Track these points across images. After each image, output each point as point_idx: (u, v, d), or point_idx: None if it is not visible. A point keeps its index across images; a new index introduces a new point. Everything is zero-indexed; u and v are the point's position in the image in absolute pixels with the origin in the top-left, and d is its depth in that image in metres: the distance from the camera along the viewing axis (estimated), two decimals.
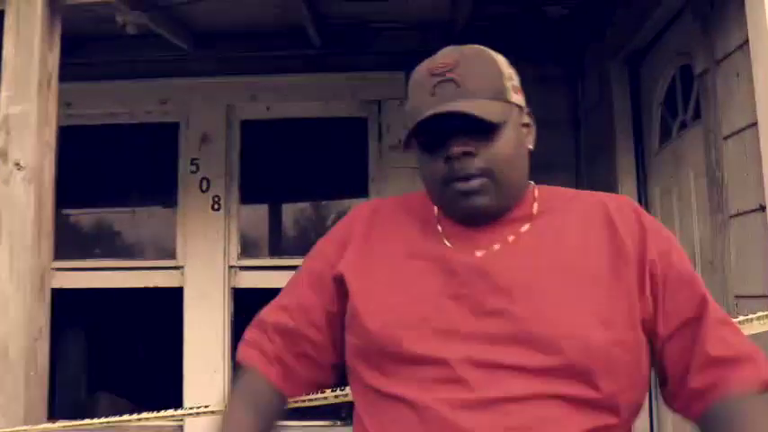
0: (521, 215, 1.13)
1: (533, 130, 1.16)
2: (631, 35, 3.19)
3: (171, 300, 3.91)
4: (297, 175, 4.22)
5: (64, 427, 1.71)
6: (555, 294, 1.04)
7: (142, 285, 3.96)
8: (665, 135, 3.16)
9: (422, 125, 1.06)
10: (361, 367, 1.11)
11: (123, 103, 4.08)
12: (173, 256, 3.99)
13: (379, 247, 1.16)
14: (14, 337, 1.80)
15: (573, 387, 1.00)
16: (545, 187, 1.18)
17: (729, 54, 2.19)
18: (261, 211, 4.59)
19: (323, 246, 1.23)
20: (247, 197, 4.12)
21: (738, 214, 2.17)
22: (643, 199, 3.40)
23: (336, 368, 1.22)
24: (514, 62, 4.05)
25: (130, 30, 3.21)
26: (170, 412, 1.75)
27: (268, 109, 4.08)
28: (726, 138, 2.24)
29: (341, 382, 1.30)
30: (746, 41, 2.01)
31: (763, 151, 1.92)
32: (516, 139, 1.11)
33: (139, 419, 1.68)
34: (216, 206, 3.96)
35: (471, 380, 1.01)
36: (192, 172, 4.00)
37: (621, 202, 1.14)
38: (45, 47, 1.97)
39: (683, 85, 2.91)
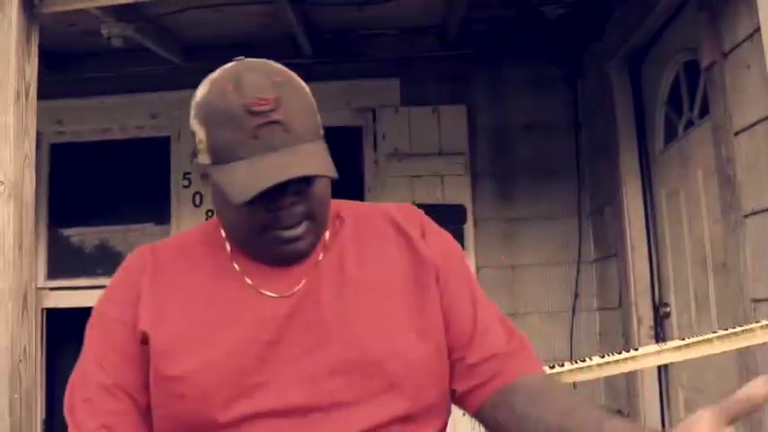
0: (313, 259, 1.07)
1: None
2: (632, 33, 3.11)
3: None
4: None
5: None
6: (367, 317, 1.02)
7: None
8: (670, 135, 3.08)
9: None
10: None
11: (114, 118, 4.00)
12: None
13: (171, 299, 1.03)
14: None
15: (406, 405, 0.99)
16: (339, 207, 1.13)
17: (738, 45, 2.10)
18: None
19: (108, 310, 1.06)
20: None
21: (753, 213, 2.07)
22: (649, 202, 3.31)
23: None
24: (512, 65, 3.96)
25: (116, 42, 3.13)
26: None
27: None
28: (737, 133, 2.14)
29: None
30: (757, 30, 1.92)
31: None
32: (328, 181, 1.05)
33: None
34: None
35: (308, 424, 0.96)
36: (185, 186, 3.92)
37: (407, 209, 1.14)
38: (22, 56, 1.87)
39: (689, 82, 2.82)
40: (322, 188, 1.04)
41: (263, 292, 1.03)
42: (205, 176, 1.04)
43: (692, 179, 2.78)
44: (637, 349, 1.62)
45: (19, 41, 1.88)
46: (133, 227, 4.14)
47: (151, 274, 1.06)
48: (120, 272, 1.10)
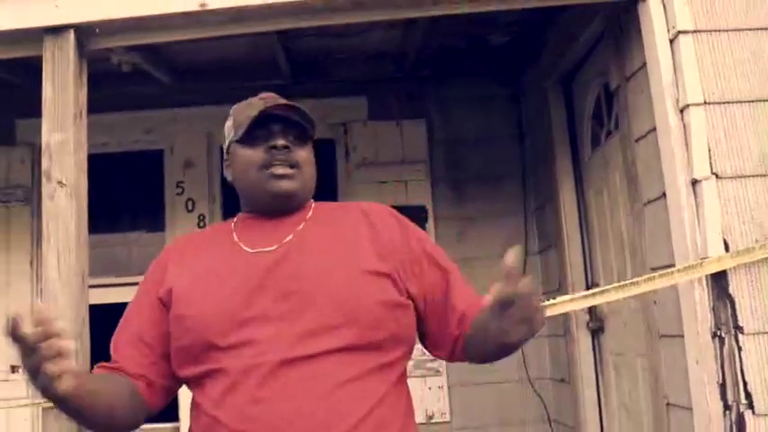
0: (300, 218, 1.45)
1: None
2: (562, 59, 3.70)
3: None
4: None
5: None
6: (334, 272, 1.35)
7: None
8: (596, 143, 3.67)
9: (256, 122, 1.40)
10: (188, 368, 1.34)
11: (111, 133, 4.43)
12: None
13: (188, 267, 1.41)
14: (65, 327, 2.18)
15: (355, 337, 1.29)
16: (319, 202, 1.53)
17: (635, 73, 2.70)
18: None
19: (144, 284, 1.48)
20: (228, 215, 4.50)
21: (649, 202, 2.67)
22: (581, 200, 3.90)
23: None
24: (463, 85, 4.65)
25: (125, 68, 3.62)
26: None
27: None
28: (636, 140, 2.74)
29: None
30: (645, 63, 2.52)
31: (660, 149, 2.42)
32: (313, 156, 1.49)
33: None
34: (201, 224, 4.34)
35: (271, 349, 1.27)
36: (178, 194, 4.38)
37: (377, 207, 1.52)
38: (77, 85, 2.36)
39: (607, 100, 3.43)
40: (308, 153, 1.47)
41: (254, 249, 1.39)
42: (228, 166, 1.51)
43: (611, 179, 3.38)
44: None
45: (74, 74, 2.37)
46: (130, 234, 4.59)
47: (175, 255, 1.47)
48: (155, 259, 1.52)
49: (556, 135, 3.95)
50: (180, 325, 1.34)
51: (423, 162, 4.37)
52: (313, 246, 1.39)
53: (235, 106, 1.53)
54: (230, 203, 4.46)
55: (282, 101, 1.46)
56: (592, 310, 3.74)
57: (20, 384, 4.10)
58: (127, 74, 3.96)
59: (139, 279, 4.23)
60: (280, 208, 1.44)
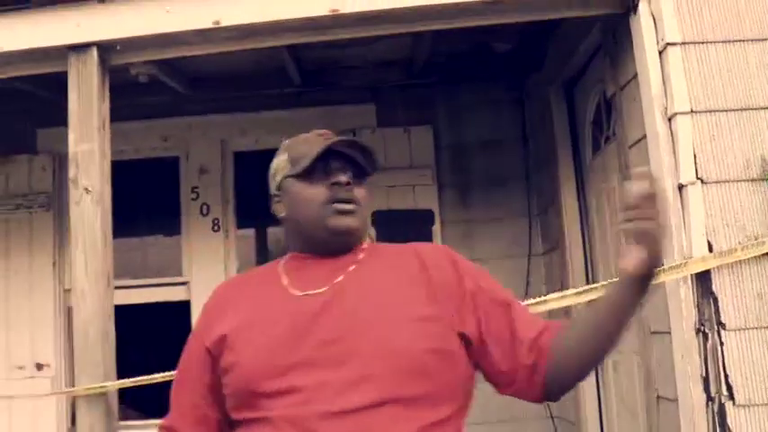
0: (352, 259, 1.39)
1: None
2: (564, 66, 3.84)
3: (179, 313, 4.42)
4: None
5: (134, 383, 2.26)
6: (382, 318, 1.28)
7: (153, 300, 4.48)
8: (596, 147, 3.80)
9: (318, 158, 1.34)
10: (239, 413, 1.31)
11: (129, 141, 4.58)
12: (179, 273, 4.52)
13: (236, 314, 1.36)
14: (92, 321, 2.35)
15: (403, 389, 1.21)
16: (372, 243, 1.47)
17: (628, 82, 2.83)
18: (252, 231, 5.16)
19: (194, 332, 1.45)
20: (241, 218, 4.68)
21: None
22: (582, 202, 4.02)
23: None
24: (469, 91, 4.80)
25: (142, 79, 3.78)
26: None
27: (257, 141, 4.65)
28: (630, 146, 2.87)
29: None
30: (637, 73, 2.65)
31: (649, 155, 2.55)
32: (370, 194, 1.43)
33: None
34: (215, 228, 4.50)
35: (321, 397, 1.21)
36: (193, 199, 4.54)
37: (430, 248, 1.47)
38: (100, 98, 2.53)
39: (606, 107, 3.55)
40: (367, 192, 1.40)
41: (302, 293, 1.33)
42: (279, 202, 1.43)
43: (610, 182, 3.50)
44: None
45: (98, 88, 2.54)
46: (147, 238, 4.77)
47: (221, 301, 1.42)
48: (204, 304, 1.47)
49: (558, 140, 4.08)
50: (228, 372, 1.32)
51: (429, 167, 4.51)
52: (362, 289, 1.33)
53: (287, 141, 1.48)
54: (243, 208, 4.63)
55: (340, 138, 1.41)
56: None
57: (45, 381, 4.29)
58: (143, 84, 4.11)
59: (155, 281, 4.40)
60: (337, 246, 1.39)
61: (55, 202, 4.49)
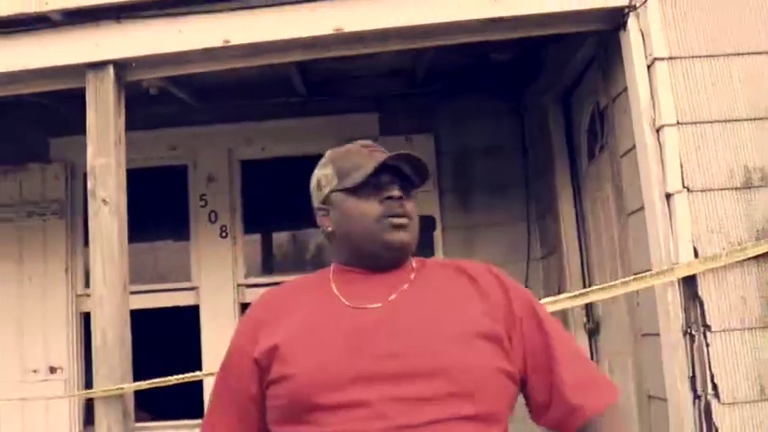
0: (403, 277, 1.36)
1: None
2: (560, 77, 3.96)
3: (188, 317, 4.56)
4: (287, 205, 4.91)
5: (150, 385, 2.39)
6: (440, 334, 1.26)
7: (164, 305, 4.61)
8: (592, 156, 3.92)
9: (371, 173, 1.33)
10: (288, 426, 1.26)
11: (139, 150, 4.69)
12: (188, 278, 4.66)
13: (287, 324, 1.32)
14: (110, 326, 2.48)
15: (466, 407, 1.21)
16: (418, 258, 1.43)
17: (619, 94, 2.96)
18: (259, 237, 5.29)
19: (237, 341, 1.39)
20: (248, 225, 4.81)
21: (632, 213, 2.92)
22: (578, 208, 4.14)
23: None
24: (469, 100, 4.92)
25: (152, 91, 3.93)
26: None
27: (263, 150, 4.78)
28: (621, 156, 3.00)
29: None
30: (627, 87, 2.78)
31: (640, 166, 2.68)
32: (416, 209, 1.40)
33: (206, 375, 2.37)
34: (223, 234, 4.64)
35: (385, 413, 1.18)
36: (202, 206, 4.68)
37: (479, 266, 1.42)
38: (116, 114, 2.66)
39: (600, 117, 3.68)
40: (415, 206, 1.38)
41: (356, 305, 1.30)
42: (325, 215, 1.40)
43: (604, 190, 3.63)
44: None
45: (114, 104, 2.68)
46: (157, 243, 4.90)
47: (267, 312, 1.37)
48: (248, 310, 1.43)
49: (555, 148, 4.20)
50: (280, 384, 1.27)
51: (431, 174, 4.61)
52: (419, 307, 1.31)
53: (331, 153, 1.45)
54: (250, 215, 4.76)
55: (395, 153, 1.39)
56: (588, 312, 3.99)
57: (58, 384, 4.43)
58: (153, 95, 4.25)
59: (164, 286, 4.52)
60: (390, 261, 1.37)
61: (67, 209, 4.64)
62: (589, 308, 4.01)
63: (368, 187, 1.34)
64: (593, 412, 1.30)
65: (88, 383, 4.55)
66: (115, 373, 2.45)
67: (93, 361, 2.54)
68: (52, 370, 4.48)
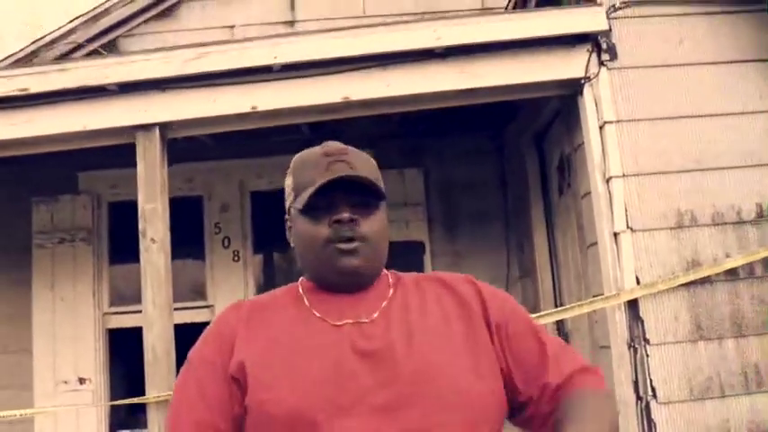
0: (380, 294, 1.25)
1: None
2: (534, 121, 4.54)
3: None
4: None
5: None
6: (431, 357, 1.16)
7: (182, 322, 5.13)
8: (561, 192, 4.49)
9: (317, 192, 1.19)
10: None
11: None
12: (204, 297, 5.20)
13: (262, 339, 1.20)
14: (158, 342, 3.02)
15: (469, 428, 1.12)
16: (393, 272, 1.32)
17: (579, 146, 3.54)
18: (262, 258, 5.84)
19: (203, 355, 1.23)
20: (257, 249, 5.35)
21: (590, 245, 3.50)
22: (551, 238, 4.71)
23: None
24: (455, 138, 5.63)
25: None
26: None
27: (270, 182, 5.32)
28: (582, 197, 3.58)
29: None
30: (583, 142, 3.36)
31: (594, 209, 3.25)
32: (385, 221, 1.27)
33: None
34: (236, 258, 5.18)
35: None
36: (216, 233, 5.22)
37: (456, 276, 1.32)
38: (161, 166, 3.21)
39: (567, 161, 4.25)
40: (377, 221, 1.24)
41: (337, 322, 1.19)
42: (289, 229, 1.29)
43: (571, 223, 4.20)
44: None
45: (159, 158, 3.22)
46: (176, 265, 5.40)
47: (245, 322, 1.23)
48: (215, 324, 1.27)
49: (531, 183, 4.77)
50: (261, 410, 1.14)
51: (421, 205, 5.20)
52: (407, 326, 1.21)
53: (295, 160, 1.32)
54: (261, 240, 5.30)
55: (346, 153, 1.28)
56: (560, 328, 4.56)
57: (87, 394, 4.94)
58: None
59: (183, 304, 5.05)
60: (347, 286, 1.25)
61: (94, 236, 5.17)
62: (560, 323, 4.58)
63: (318, 207, 1.23)
64: (582, 384, 1.23)
65: (113, 392, 5.08)
66: (164, 382, 2.98)
67: (146, 371, 3.06)
68: (81, 381, 4.99)
